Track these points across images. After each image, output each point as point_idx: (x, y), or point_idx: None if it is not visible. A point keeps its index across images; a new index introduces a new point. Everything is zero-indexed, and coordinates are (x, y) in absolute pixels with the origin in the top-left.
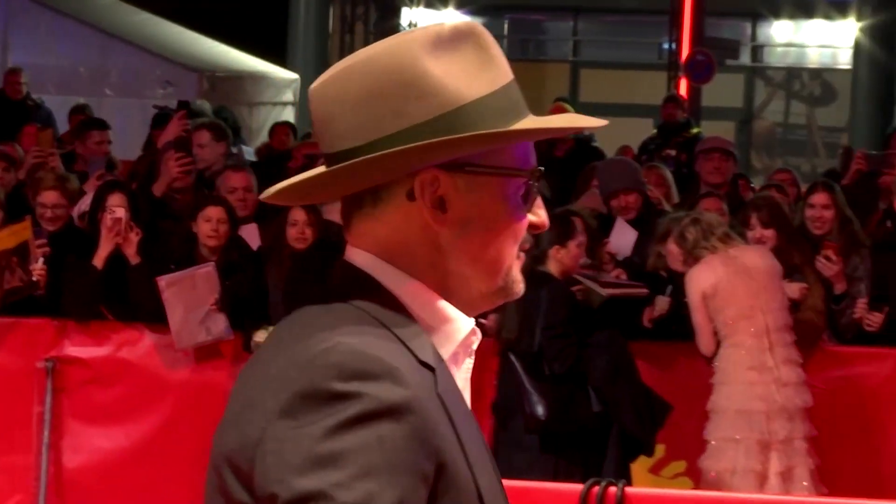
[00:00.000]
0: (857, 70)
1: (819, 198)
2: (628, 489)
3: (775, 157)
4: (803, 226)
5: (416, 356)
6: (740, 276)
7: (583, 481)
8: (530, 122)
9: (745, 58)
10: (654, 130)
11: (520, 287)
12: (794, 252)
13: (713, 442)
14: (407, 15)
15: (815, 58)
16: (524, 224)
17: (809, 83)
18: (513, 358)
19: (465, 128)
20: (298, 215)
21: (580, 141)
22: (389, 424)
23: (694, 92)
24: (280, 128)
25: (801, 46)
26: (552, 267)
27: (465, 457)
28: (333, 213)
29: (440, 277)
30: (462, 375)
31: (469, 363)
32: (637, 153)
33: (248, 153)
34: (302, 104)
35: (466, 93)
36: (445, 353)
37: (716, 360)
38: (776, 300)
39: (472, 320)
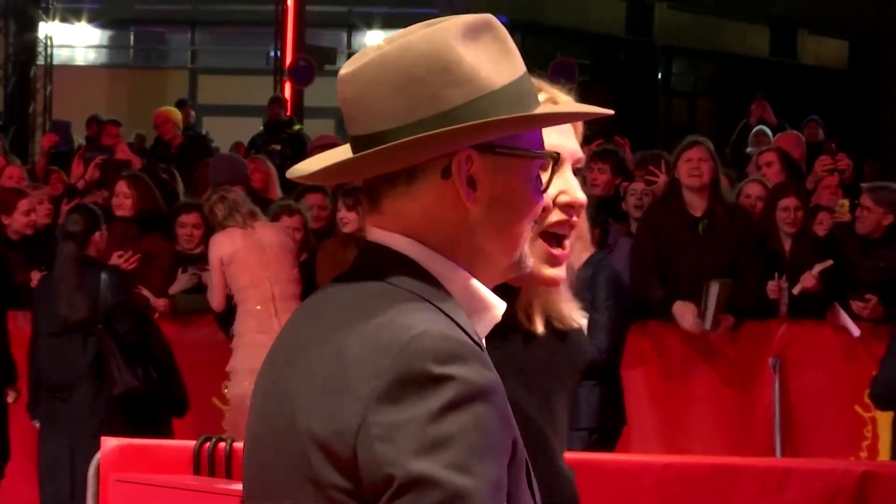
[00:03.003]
0: None
1: None
2: (236, 444)
3: None
4: None
5: (470, 337)
6: (255, 249)
7: (148, 436)
8: (551, 108)
9: (342, 63)
10: (262, 128)
11: (531, 262)
12: None
13: (233, 400)
14: (43, 28)
15: None
16: (542, 204)
17: None
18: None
19: (496, 112)
20: None
21: (192, 137)
22: (482, 406)
23: (297, 94)
24: None
25: None
26: (92, 250)
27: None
28: None
29: (468, 254)
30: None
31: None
32: (247, 148)
33: None
34: None
35: (496, 79)
36: (481, 332)
37: (234, 326)
38: (285, 272)
39: (503, 302)
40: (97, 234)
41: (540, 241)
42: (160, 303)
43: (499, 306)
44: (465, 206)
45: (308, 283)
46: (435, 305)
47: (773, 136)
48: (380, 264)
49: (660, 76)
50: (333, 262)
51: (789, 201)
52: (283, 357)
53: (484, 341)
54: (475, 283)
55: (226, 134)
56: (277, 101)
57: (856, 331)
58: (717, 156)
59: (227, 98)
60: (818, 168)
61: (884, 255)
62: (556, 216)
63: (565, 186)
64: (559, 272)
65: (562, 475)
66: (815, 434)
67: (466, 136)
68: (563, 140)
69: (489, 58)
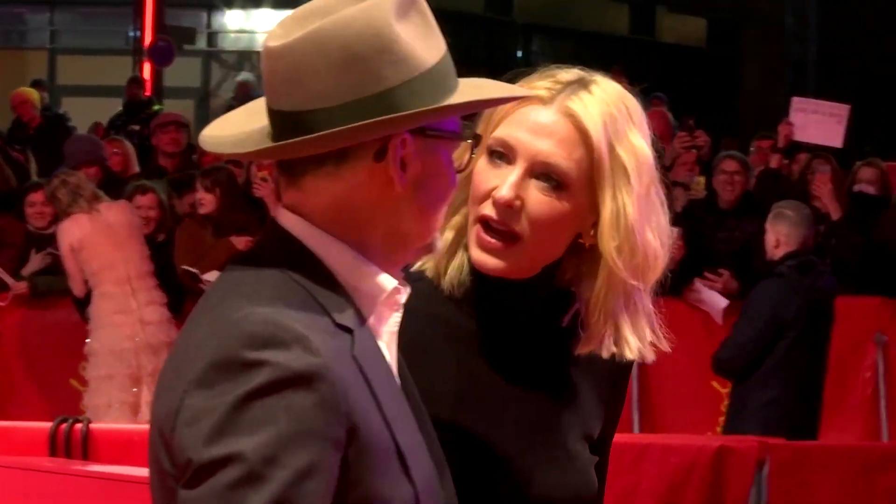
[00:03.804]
0: None
1: None
2: (93, 425)
3: None
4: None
5: (333, 320)
6: (104, 231)
7: None
8: (475, 88)
9: (202, 43)
10: (121, 108)
11: (440, 245)
12: (238, 214)
13: (91, 381)
14: None
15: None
16: (456, 185)
17: (259, 65)
18: None
19: (429, 92)
20: None
21: (50, 118)
22: (298, 392)
23: (157, 74)
24: None
25: (252, 32)
26: None
27: (382, 416)
28: None
29: (384, 235)
30: (388, 329)
31: (396, 317)
32: (106, 129)
33: None
34: None
35: (427, 58)
36: (369, 311)
37: (89, 309)
38: (136, 251)
39: (395, 280)
40: None
41: (476, 226)
42: (20, 285)
43: (389, 285)
44: (392, 188)
45: (167, 264)
46: (306, 290)
47: None
48: (267, 245)
49: (520, 54)
50: (191, 242)
51: None
52: (177, 337)
53: (385, 322)
54: (365, 266)
55: (85, 114)
56: (136, 81)
57: (723, 301)
58: None
59: (86, 78)
60: (676, 144)
61: (738, 226)
62: (487, 209)
63: (500, 181)
64: (485, 257)
65: (566, 462)
66: (672, 410)
67: (408, 121)
68: (525, 137)
69: (419, 35)
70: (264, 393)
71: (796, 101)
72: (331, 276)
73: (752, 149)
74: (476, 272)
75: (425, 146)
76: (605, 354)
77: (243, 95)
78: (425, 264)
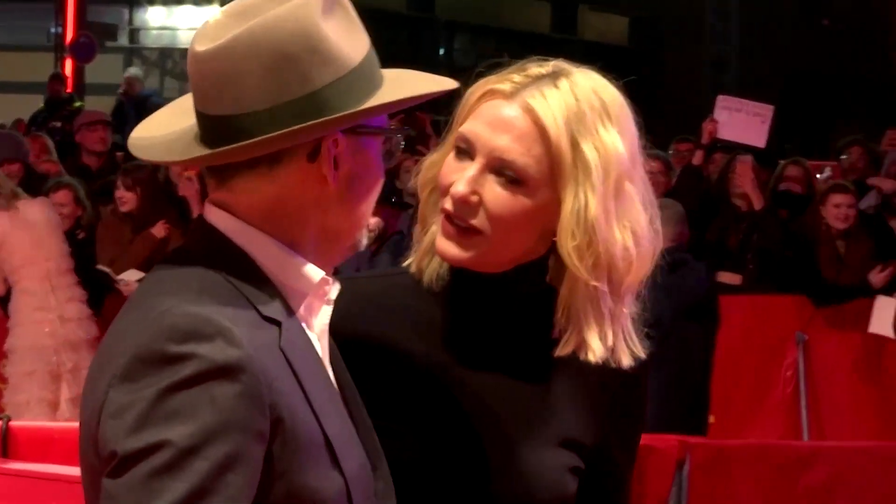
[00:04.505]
0: None
1: None
2: (12, 423)
3: None
4: None
5: (259, 312)
6: (24, 228)
7: None
8: (400, 83)
9: (123, 40)
10: (42, 105)
11: (365, 242)
12: (158, 211)
13: (11, 378)
14: None
15: (185, 39)
16: (382, 178)
17: (181, 62)
18: None
19: (358, 89)
20: None
21: None
22: (221, 384)
23: (79, 70)
24: None
25: (174, 29)
26: None
27: (310, 407)
28: None
29: (316, 234)
30: (320, 322)
31: (327, 310)
32: (27, 125)
33: None
34: None
35: (354, 56)
36: (298, 304)
37: (9, 305)
38: (56, 248)
39: (322, 272)
40: None
41: (441, 216)
42: None
43: (316, 276)
44: (325, 187)
45: (87, 261)
46: (233, 285)
47: None
48: (194, 242)
49: (442, 52)
50: (112, 239)
51: None
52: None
53: (316, 314)
54: (293, 260)
55: (6, 111)
56: (58, 77)
57: None
58: None
59: (7, 75)
60: None
61: None
62: (448, 203)
63: (460, 176)
64: (447, 246)
65: (526, 462)
66: None
67: (342, 122)
68: (484, 132)
69: (345, 33)
70: (187, 385)
71: (721, 99)
72: (258, 271)
73: (670, 151)
74: (455, 267)
75: (356, 143)
76: (582, 357)
77: (131, 91)
78: (410, 260)
